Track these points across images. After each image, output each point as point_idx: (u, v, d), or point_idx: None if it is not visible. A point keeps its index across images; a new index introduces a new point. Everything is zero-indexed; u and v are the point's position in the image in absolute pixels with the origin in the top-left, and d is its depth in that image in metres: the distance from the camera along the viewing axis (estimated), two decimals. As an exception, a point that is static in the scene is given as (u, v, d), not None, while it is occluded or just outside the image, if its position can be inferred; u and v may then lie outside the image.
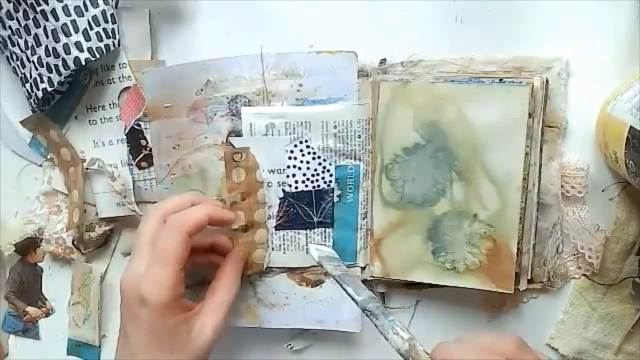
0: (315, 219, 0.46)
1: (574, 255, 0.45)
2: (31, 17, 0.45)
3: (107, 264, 0.53)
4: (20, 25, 0.46)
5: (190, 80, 0.46)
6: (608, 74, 0.42)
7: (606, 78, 0.42)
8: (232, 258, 0.45)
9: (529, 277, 0.45)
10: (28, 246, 0.55)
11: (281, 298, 0.48)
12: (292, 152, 0.45)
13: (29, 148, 0.53)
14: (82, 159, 0.50)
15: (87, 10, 0.45)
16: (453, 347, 0.30)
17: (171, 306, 0.39)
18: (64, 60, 0.45)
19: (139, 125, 0.48)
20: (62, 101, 0.49)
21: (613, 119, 0.40)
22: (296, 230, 0.47)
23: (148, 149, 0.49)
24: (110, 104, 0.49)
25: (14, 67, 0.49)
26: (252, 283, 0.48)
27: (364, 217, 0.46)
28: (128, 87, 0.48)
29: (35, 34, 0.46)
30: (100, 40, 0.45)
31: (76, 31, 0.45)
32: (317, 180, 0.46)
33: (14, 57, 0.48)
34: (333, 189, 0.46)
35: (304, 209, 0.46)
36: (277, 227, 0.47)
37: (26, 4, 0.45)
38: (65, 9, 0.44)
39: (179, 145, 0.47)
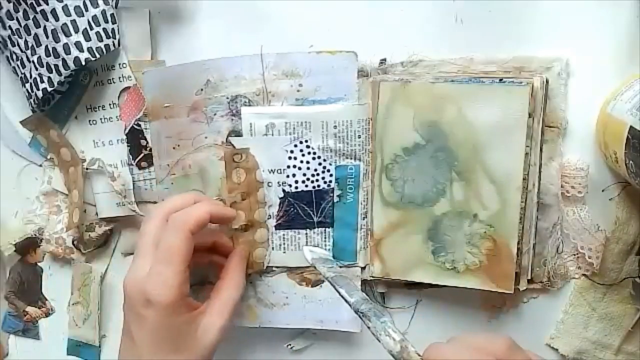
0: (315, 219, 0.46)
1: (574, 255, 0.45)
2: (31, 17, 0.45)
3: (107, 264, 0.53)
4: (20, 25, 0.46)
5: (190, 80, 0.46)
6: (608, 74, 0.42)
7: (606, 78, 0.42)
8: (236, 257, 0.45)
9: (529, 277, 0.45)
10: (28, 246, 0.55)
11: (281, 298, 0.48)
12: (292, 152, 0.45)
13: (29, 148, 0.53)
14: (82, 159, 0.50)
15: (87, 10, 0.45)
16: (445, 348, 0.30)
17: (177, 305, 0.39)
18: (64, 60, 0.45)
19: (139, 125, 0.48)
20: (62, 101, 0.50)
21: (613, 119, 0.40)
22: (296, 230, 0.47)
23: (148, 149, 0.49)
24: (110, 104, 0.49)
25: (14, 67, 0.49)
26: (252, 283, 0.48)
27: (364, 217, 0.46)
28: (128, 87, 0.48)
29: (35, 34, 0.46)
30: (100, 40, 0.45)
31: (76, 31, 0.45)
32: (317, 180, 0.46)
33: (14, 57, 0.48)
34: (333, 188, 0.46)
35: (304, 209, 0.46)
36: (277, 227, 0.47)
37: (26, 4, 0.45)
38: (65, 9, 0.44)
39: (179, 146, 0.47)
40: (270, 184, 0.46)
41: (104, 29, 0.45)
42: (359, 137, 0.45)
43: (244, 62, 0.45)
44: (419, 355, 0.31)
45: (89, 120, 0.50)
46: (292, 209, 0.46)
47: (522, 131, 0.41)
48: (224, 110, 0.46)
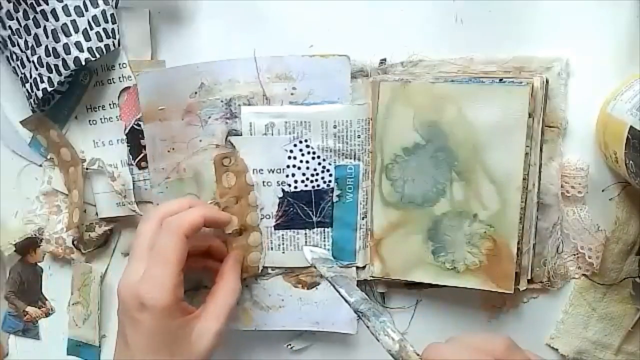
0: (315, 219, 0.46)
1: (574, 255, 0.45)
2: (31, 17, 0.45)
3: (107, 264, 0.53)
4: (20, 25, 0.46)
5: (184, 83, 0.46)
6: (608, 74, 0.42)
7: (606, 78, 0.42)
8: (231, 261, 0.45)
9: (529, 277, 0.45)
10: (28, 246, 0.54)
11: (277, 300, 0.48)
12: (291, 151, 0.45)
13: (29, 148, 0.53)
14: (82, 159, 0.50)
15: (87, 10, 0.45)
16: (443, 348, 0.30)
17: (172, 309, 0.39)
18: (64, 60, 0.45)
19: (139, 125, 0.48)
20: (62, 101, 0.49)
21: (613, 119, 0.40)
22: (295, 230, 0.47)
23: (148, 149, 0.49)
24: (110, 104, 0.49)
25: (14, 67, 0.49)
26: (247, 286, 0.48)
27: (363, 217, 0.46)
28: (128, 87, 0.48)
29: (35, 34, 0.46)
30: (100, 40, 0.45)
31: (76, 31, 0.45)
32: (316, 180, 0.46)
33: (14, 57, 0.48)
34: (332, 188, 0.46)
35: (303, 209, 0.46)
36: (276, 227, 0.47)
37: (26, 4, 0.45)
38: (65, 9, 0.44)
39: (173, 149, 0.47)
40: (269, 184, 0.46)
41: (104, 29, 0.45)
42: (359, 137, 0.45)
43: (237, 66, 0.45)
44: (418, 354, 0.31)
45: (89, 120, 0.50)
46: (291, 209, 0.46)
47: (522, 131, 0.41)
48: (219, 114, 0.46)
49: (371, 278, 0.47)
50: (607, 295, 0.46)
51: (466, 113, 0.42)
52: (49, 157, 0.52)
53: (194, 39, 0.48)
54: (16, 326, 0.57)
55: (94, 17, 0.45)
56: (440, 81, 0.43)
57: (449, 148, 0.43)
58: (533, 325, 0.47)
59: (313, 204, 0.46)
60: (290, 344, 0.51)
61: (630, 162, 0.38)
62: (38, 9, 0.45)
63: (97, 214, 0.51)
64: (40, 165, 0.53)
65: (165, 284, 0.38)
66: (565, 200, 0.44)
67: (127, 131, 0.49)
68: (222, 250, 0.46)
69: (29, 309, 0.56)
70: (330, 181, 0.46)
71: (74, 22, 0.44)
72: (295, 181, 0.46)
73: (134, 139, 0.49)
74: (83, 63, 0.45)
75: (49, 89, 0.47)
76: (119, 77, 0.48)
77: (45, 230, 0.53)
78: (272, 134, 0.45)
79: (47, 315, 0.56)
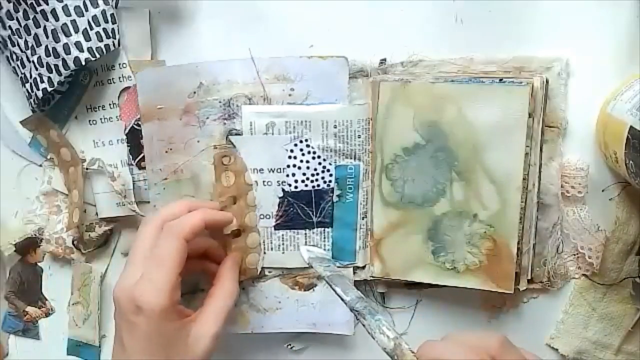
0: (315, 219, 0.46)
1: (574, 255, 0.45)
2: (31, 17, 0.45)
3: (107, 264, 0.53)
4: (20, 25, 0.46)
5: (183, 82, 0.46)
6: (608, 74, 0.42)
7: (606, 78, 0.42)
8: (228, 263, 0.44)
9: (529, 277, 0.45)
10: (28, 246, 0.54)
11: (274, 302, 0.48)
12: (292, 151, 0.45)
13: (29, 148, 0.53)
14: (82, 159, 0.50)
15: (87, 10, 0.45)
16: (438, 346, 0.30)
17: (168, 312, 0.39)
18: (64, 60, 0.45)
19: (139, 125, 0.48)
20: (62, 101, 0.49)
21: (613, 119, 0.40)
22: (295, 230, 0.47)
23: (148, 149, 0.49)
24: (110, 104, 0.49)
25: (14, 67, 0.49)
26: (244, 288, 0.48)
27: (363, 217, 0.46)
28: (128, 87, 0.48)
29: (35, 34, 0.46)
30: (100, 40, 0.45)
31: (76, 31, 0.45)
32: (316, 180, 0.46)
33: (14, 57, 0.48)
34: (333, 188, 0.46)
35: (303, 209, 0.46)
36: (276, 227, 0.47)
37: (26, 4, 0.45)
38: (65, 9, 0.44)
39: (171, 149, 0.47)
40: (269, 183, 0.46)
41: (104, 29, 0.45)
42: (359, 137, 0.45)
43: (236, 66, 0.45)
44: (413, 352, 0.31)
45: (89, 120, 0.50)
46: (291, 209, 0.46)
47: (522, 131, 0.41)
48: (217, 114, 0.46)
49: (371, 278, 0.47)
50: (607, 295, 0.46)
51: (466, 113, 0.42)
52: (49, 157, 0.52)
53: (194, 39, 0.48)
54: (16, 326, 0.57)
55: (94, 17, 0.45)
56: (440, 81, 0.43)
57: (449, 148, 0.43)
58: (533, 325, 0.47)
59: (313, 203, 0.46)
60: (290, 344, 0.51)
61: (630, 162, 0.38)
62: (38, 9, 0.45)
63: (97, 214, 0.51)
64: (40, 165, 0.53)
65: (161, 287, 0.38)
66: (565, 200, 0.44)
67: (127, 131, 0.49)
68: (220, 252, 0.46)
69: (29, 309, 0.56)
70: (330, 181, 0.46)
71: (74, 22, 0.44)
72: (296, 181, 0.46)
73: (134, 139, 0.49)
74: (83, 63, 0.45)
75: (49, 89, 0.47)
76: (119, 77, 0.48)
77: (45, 230, 0.53)
78: (273, 134, 0.45)
79: (47, 315, 0.56)
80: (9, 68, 0.50)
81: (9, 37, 0.47)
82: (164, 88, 0.46)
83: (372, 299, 0.49)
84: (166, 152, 0.47)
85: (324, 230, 0.47)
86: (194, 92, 0.46)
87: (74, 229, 0.51)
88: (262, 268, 0.48)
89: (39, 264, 0.55)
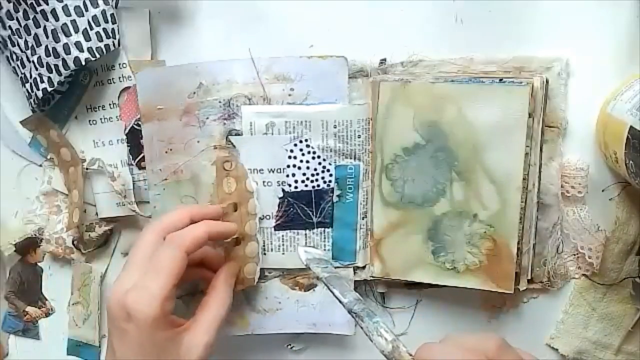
0: (315, 219, 0.46)
1: (574, 255, 0.45)
2: (31, 17, 0.45)
3: (107, 264, 0.53)
4: (20, 25, 0.46)
5: (183, 83, 0.46)
6: (608, 74, 0.42)
7: (606, 78, 0.42)
8: (224, 273, 0.44)
9: (529, 277, 0.45)
10: (28, 246, 0.54)
11: (274, 303, 0.48)
12: (292, 151, 0.45)
13: (29, 148, 0.53)
14: (82, 159, 0.50)
15: (87, 10, 0.45)
16: (436, 348, 0.30)
17: (159, 322, 0.38)
18: (64, 60, 0.45)
19: (139, 126, 0.48)
20: (62, 101, 0.49)
21: (613, 119, 0.40)
22: (295, 231, 0.47)
23: (148, 149, 0.49)
24: (110, 104, 0.49)
25: (14, 67, 0.49)
26: (244, 290, 0.48)
27: (363, 217, 0.46)
28: (128, 87, 0.48)
29: (35, 34, 0.46)
30: (100, 40, 0.45)
31: (76, 31, 0.45)
32: (316, 180, 0.46)
33: (14, 57, 0.48)
34: (333, 188, 0.46)
35: (303, 209, 0.46)
36: (277, 228, 0.47)
37: (26, 4, 0.45)
38: (65, 9, 0.44)
39: (171, 150, 0.47)
40: (269, 184, 0.46)
41: (104, 29, 0.45)
42: (359, 137, 0.45)
43: (236, 66, 0.45)
44: (411, 355, 0.31)
45: (89, 120, 0.50)
46: (291, 209, 0.46)
47: (522, 131, 0.41)
48: (217, 114, 0.46)
49: (371, 278, 0.47)
50: (607, 295, 0.46)
51: (466, 113, 0.42)
52: (49, 157, 0.52)
53: (194, 39, 0.48)
54: (16, 326, 0.57)
55: (94, 17, 0.45)
56: (440, 81, 0.43)
57: (449, 148, 0.43)
58: (533, 325, 0.47)
59: (313, 204, 0.46)
60: (290, 344, 0.51)
61: (630, 162, 0.38)
62: (38, 9, 0.45)
63: (97, 214, 0.51)
64: (40, 165, 0.53)
65: (155, 296, 0.38)
66: (565, 200, 0.44)
67: (127, 131, 0.49)
68: (218, 260, 0.46)
69: (29, 309, 0.56)
70: (330, 181, 0.46)
71: (74, 22, 0.44)
72: (296, 181, 0.46)
73: (134, 139, 0.49)
74: (83, 63, 0.45)
75: (49, 89, 0.47)
76: (119, 77, 0.48)
77: (45, 230, 0.53)
78: (273, 134, 0.45)
79: (47, 315, 0.56)
80: (9, 68, 0.50)
81: (9, 37, 0.47)
82: (164, 88, 0.46)
83: (372, 299, 0.49)
84: (166, 152, 0.47)
85: (324, 230, 0.47)
86: (194, 92, 0.46)
87: (74, 229, 0.51)
88: (262, 269, 0.48)
89: (39, 264, 0.55)
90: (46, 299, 0.56)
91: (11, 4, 0.45)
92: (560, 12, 0.42)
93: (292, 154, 0.45)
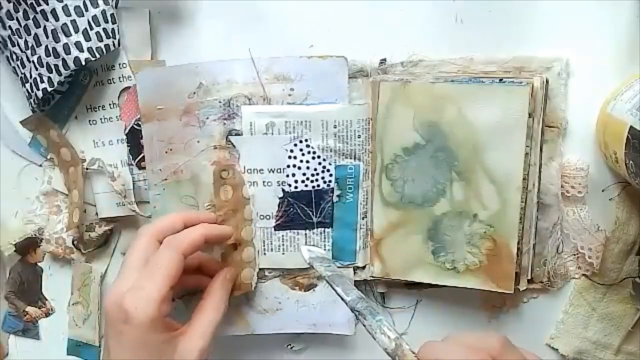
0: (315, 219, 0.46)
1: (574, 255, 0.45)
2: (31, 17, 0.45)
3: (107, 264, 0.53)
4: (20, 25, 0.46)
5: (183, 83, 0.46)
6: (608, 74, 0.42)
7: (606, 78, 0.42)
8: (219, 279, 0.44)
9: (529, 277, 0.45)
10: (28, 246, 0.54)
11: (274, 303, 0.48)
12: (292, 151, 0.45)
13: (29, 148, 0.53)
14: (82, 159, 0.50)
15: (87, 10, 0.45)
16: (439, 347, 0.30)
17: (156, 323, 0.38)
18: (64, 60, 0.45)
19: (139, 126, 0.48)
20: (62, 101, 0.49)
21: (613, 119, 0.40)
22: (295, 231, 0.47)
23: (148, 149, 0.49)
24: (110, 104, 0.49)
25: (14, 67, 0.49)
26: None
27: (363, 217, 0.46)
28: (128, 87, 0.48)
29: (35, 34, 0.46)
30: (100, 40, 0.45)
31: (76, 31, 0.45)
32: (316, 180, 0.46)
33: (14, 57, 0.48)
34: (333, 188, 0.46)
35: (303, 209, 0.46)
36: (276, 228, 0.47)
37: (26, 4, 0.45)
38: (65, 9, 0.44)
39: (171, 150, 0.47)
40: (269, 184, 0.46)
41: (104, 29, 0.45)
42: (359, 137, 0.45)
43: (236, 66, 0.45)
44: (414, 353, 0.31)
45: (89, 120, 0.50)
46: (291, 209, 0.46)
47: (522, 131, 0.41)
48: (217, 114, 0.46)
49: (371, 278, 0.47)
50: (607, 295, 0.46)
51: (466, 113, 0.42)
52: (49, 157, 0.52)
53: (194, 39, 0.48)
54: (16, 326, 0.57)
55: (94, 17, 0.45)
56: (440, 81, 0.43)
57: (449, 148, 0.43)
58: (533, 325, 0.47)
59: (313, 204, 0.46)
60: (290, 344, 0.51)
61: (630, 162, 0.38)
62: (38, 9, 0.45)
63: (97, 214, 0.51)
64: (40, 165, 0.53)
65: (152, 297, 0.38)
66: (565, 200, 0.44)
67: (127, 131, 0.49)
68: (214, 266, 0.46)
69: (29, 309, 0.56)
70: (330, 181, 0.46)
71: (74, 22, 0.44)
72: (296, 181, 0.46)
73: (134, 139, 0.49)
74: (83, 63, 0.45)
75: (49, 89, 0.47)
76: (119, 77, 0.48)
77: (45, 230, 0.53)
78: (273, 134, 0.45)
79: (47, 315, 0.56)
80: (9, 68, 0.50)
81: (9, 37, 0.47)
82: (164, 88, 0.46)
83: (372, 299, 0.49)
84: (166, 152, 0.47)
85: (324, 230, 0.47)
86: (194, 92, 0.46)
87: (74, 229, 0.51)
88: (262, 268, 0.48)
89: (39, 264, 0.55)
90: (46, 299, 0.56)
91: (11, 4, 0.45)
92: (560, 12, 0.42)
93: (292, 154, 0.45)
